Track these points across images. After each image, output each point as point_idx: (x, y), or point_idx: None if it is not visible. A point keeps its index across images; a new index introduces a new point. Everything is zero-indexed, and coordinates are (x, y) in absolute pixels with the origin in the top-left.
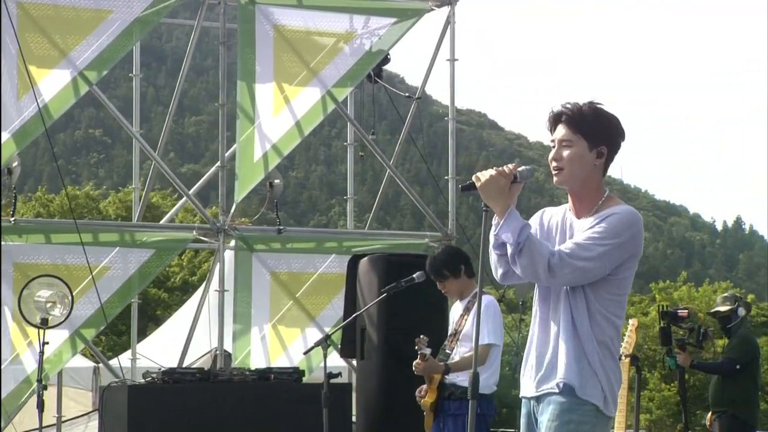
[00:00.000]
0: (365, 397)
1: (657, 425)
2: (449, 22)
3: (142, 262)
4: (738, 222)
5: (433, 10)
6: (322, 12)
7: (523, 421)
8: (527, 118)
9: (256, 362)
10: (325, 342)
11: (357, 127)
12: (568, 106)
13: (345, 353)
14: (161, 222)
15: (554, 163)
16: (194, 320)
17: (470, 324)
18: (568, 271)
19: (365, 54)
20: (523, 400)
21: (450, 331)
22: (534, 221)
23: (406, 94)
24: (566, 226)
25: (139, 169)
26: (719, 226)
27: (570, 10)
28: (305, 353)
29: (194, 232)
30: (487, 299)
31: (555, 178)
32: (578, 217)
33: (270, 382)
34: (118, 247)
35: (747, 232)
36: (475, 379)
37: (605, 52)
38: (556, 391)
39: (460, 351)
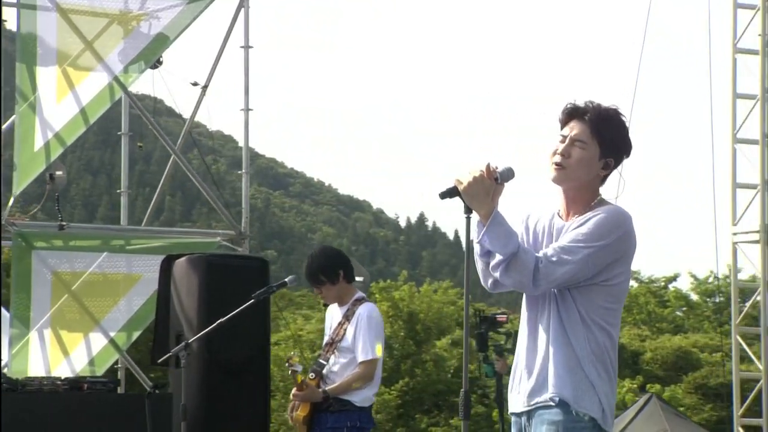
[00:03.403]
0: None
1: (377, 429)
2: (243, 6)
3: None
4: (421, 219)
5: None
6: None
7: None
8: (207, 105)
9: (35, 370)
10: (184, 350)
11: (146, 116)
12: (592, 105)
13: (157, 360)
14: None
15: (558, 158)
16: None
17: (351, 334)
18: (552, 278)
19: (153, 38)
20: (513, 418)
21: (326, 339)
22: (518, 227)
23: (193, 81)
24: (553, 230)
25: None
26: (403, 223)
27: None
28: (169, 359)
29: None
30: (369, 308)
31: (554, 174)
32: (567, 219)
33: (83, 393)
34: None
35: (430, 230)
36: (466, 398)
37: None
38: (551, 404)
39: (339, 362)
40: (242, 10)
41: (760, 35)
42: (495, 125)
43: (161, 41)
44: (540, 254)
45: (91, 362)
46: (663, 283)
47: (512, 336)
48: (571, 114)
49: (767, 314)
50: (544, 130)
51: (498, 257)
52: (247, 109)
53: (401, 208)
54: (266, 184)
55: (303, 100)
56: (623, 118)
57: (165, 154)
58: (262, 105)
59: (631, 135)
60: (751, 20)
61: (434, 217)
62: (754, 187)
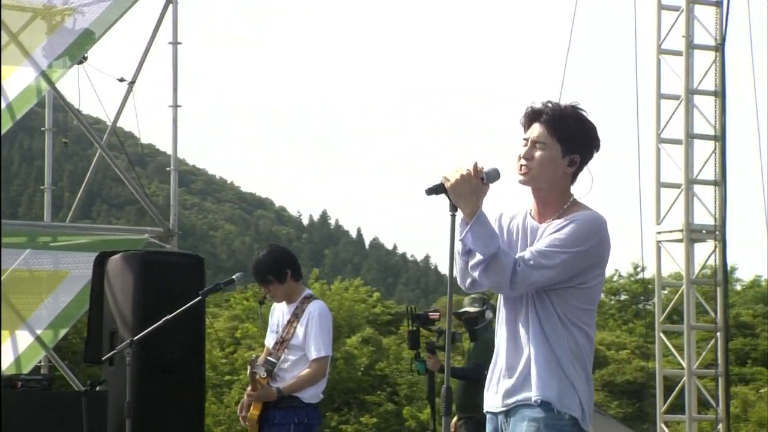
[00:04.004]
0: (118, 406)
1: None
2: (171, 2)
3: None
4: (324, 216)
5: None
6: None
7: None
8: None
9: None
10: (129, 347)
11: (73, 112)
12: (550, 105)
13: (90, 358)
14: None
15: (523, 161)
16: None
17: (301, 332)
18: (529, 282)
19: (78, 34)
20: (489, 416)
21: (276, 337)
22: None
23: (119, 77)
24: (527, 230)
25: None
26: (305, 221)
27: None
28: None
29: None
30: (319, 306)
31: (520, 177)
32: (540, 221)
33: (17, 391)
34: None
35: (333, 227)
36: (447, 395)
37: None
38: (533, 405)
39: (289, 359)
40: (170, 6)
41: (683, 36)
42: (425, 122)
43: (87, 37)
44: (518, 257)
45: (17, 360)
46: None
47: (444, 333)
48: (531, 117)
49: (690, 312)
50: (474, 127)
51: (478, 257)
52: (175, 106)
53: (303, 206)
54: (167, 181)
55: (216, 97)
56: (583, 114)
57: (65, 151)
58: (164, 102)
59: None
60: (675, 22)
61: (337, 215)
62: (677, 186)
